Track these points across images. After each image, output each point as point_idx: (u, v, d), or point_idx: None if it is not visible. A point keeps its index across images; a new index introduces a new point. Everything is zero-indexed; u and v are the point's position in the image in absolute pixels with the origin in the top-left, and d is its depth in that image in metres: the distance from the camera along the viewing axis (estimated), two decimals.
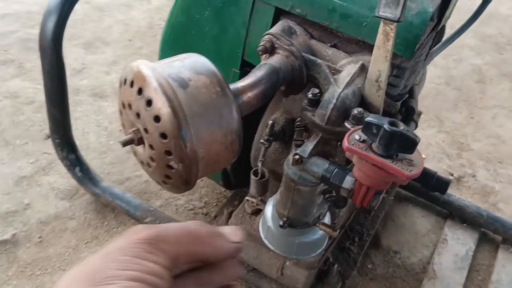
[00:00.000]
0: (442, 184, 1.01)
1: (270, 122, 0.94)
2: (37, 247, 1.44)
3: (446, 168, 1.95)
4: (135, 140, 0.73)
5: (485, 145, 2.11)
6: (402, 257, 1.56)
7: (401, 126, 0.68)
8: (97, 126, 1.89)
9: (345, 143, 0.72)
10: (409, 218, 1.70)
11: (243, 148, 0.80)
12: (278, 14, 0.97)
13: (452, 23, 1.28)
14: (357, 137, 0.73)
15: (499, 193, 1.87)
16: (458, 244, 1.60)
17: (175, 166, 0.70)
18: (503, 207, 1.81)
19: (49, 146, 1.61)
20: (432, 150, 2.04)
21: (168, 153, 0.69)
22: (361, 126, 0.72)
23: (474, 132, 2.17)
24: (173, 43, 1.18)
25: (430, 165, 1.95)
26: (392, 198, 1.62)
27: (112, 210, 1.56)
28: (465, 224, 1.66)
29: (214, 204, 1.63)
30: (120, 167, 1.72)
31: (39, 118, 1.86)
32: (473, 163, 2.00)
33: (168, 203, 1.62)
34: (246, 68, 1.09)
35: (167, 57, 0.75)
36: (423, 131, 2.13)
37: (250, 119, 1.07)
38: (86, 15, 2.55)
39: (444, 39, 1.33)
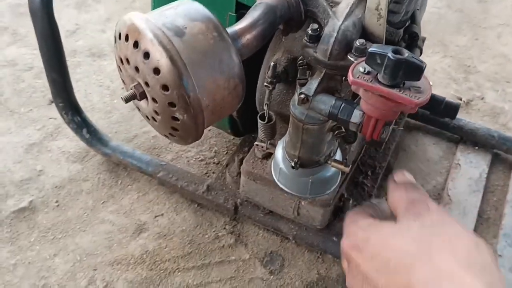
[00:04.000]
0: (451, 109, 0.99)
1: (272, 63, 0.92)
2: (55, 211, 1.46)
3: (454, 93, 1.93)
4: (137, 95, 0.72)
5: (492, 66, 2.07)
6: None
7: (406, 53, 0.66)
8: (99, 86, 1.87)
9: (350, 76, 0.71)
10: (421, 147, 1.69)
11: (248, 93, 0.79)
12: None
13: None
14: (361, 69, 0.71)
15: (508, 112, 1.85)
16: (471, 167, 1.60)
17: (180, 117, 0.70)
18: None
19: (54, 111, 1.61)
20: (439, 76, 2.01)
21: (171, 104, 0.68)
22: (364, 58, 0.71)
23: (480, 54, 2.13)
24: None
25: (438, 91, 1.92)
26: (402, 128, 1.61)
27: (124, 168, 1.57)
28: (476, 147, 1.66)
29: (225, 153, 1.63)
30: (127, 125, 1.71)
31: (40, 84, 1.84)
32: (480, 85, 1.97)
33: (179, 156, 1.62)
34: (241, 10, 1.06)
35: (159, 7, 0.73)
36: (428, 58, 2.09)
37: (252, 62, 1.05)
38: None
39: None
